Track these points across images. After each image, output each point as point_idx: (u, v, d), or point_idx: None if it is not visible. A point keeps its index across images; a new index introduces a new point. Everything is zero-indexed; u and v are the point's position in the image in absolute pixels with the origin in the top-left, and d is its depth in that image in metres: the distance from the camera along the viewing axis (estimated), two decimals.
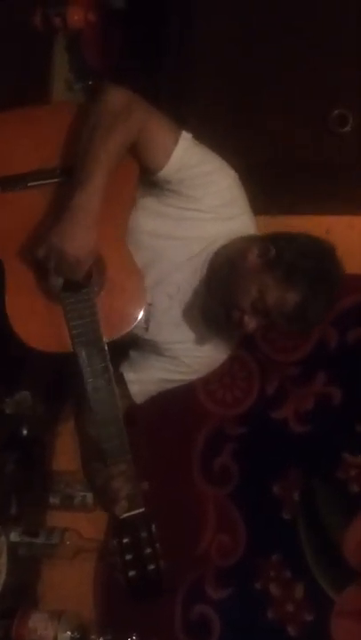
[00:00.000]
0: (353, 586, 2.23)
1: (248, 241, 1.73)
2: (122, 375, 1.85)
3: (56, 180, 1.64)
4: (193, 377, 1.95)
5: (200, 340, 1.87)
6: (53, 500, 2.44)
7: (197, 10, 2.38)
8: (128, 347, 1.90)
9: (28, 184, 1.63)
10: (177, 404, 2.24)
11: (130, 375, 1.86)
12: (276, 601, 2.28)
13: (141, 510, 1.52)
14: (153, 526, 1.49)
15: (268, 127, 2.32)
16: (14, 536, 2.24)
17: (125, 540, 1.47)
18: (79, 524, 2.37)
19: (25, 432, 2.22)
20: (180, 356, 1.88)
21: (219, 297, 1.72)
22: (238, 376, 2.49)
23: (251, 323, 1.68)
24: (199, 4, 2.38)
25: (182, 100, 2.36)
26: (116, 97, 1.59)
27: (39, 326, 1.61)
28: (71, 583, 2.42)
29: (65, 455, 2.48)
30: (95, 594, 2.41)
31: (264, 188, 2.03)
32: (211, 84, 2.36)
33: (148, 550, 1.47)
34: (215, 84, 2.35)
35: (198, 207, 1.72)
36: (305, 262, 1.67)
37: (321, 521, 2.31)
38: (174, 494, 2.39)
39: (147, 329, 1.82)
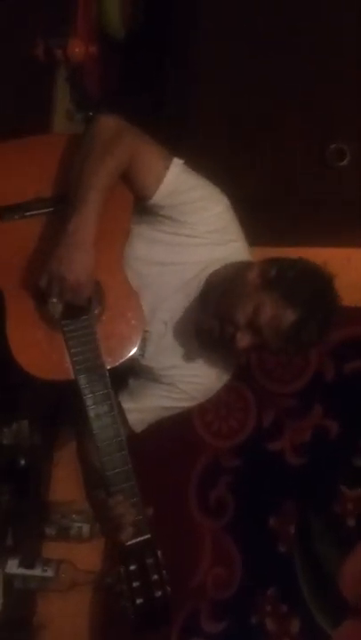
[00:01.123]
0: (349, 620, 2.23)
1: (247, 263, 1.75)
2: (120, 404, 1.84)
3: (52, 209, 1.65)
4: (190, 404, 1.93)
5: (196, 366, 1.86)
6: (49, 530, 2.43)
7: (197, 42, 2.41)
8: (126, 375, 1.90)
9: (26, 213, 1.65)
10: (173, 435, 2.24)
11: (128, 404, 1.85)
12: (272, 636, 2.27)
13: (147, 537, 1.49)
14: (159, 553, 1.47)
15: (266, 161, 2.34)
16: (10, 568, 2.23)
17: (132, 568, 1.44)
18: (75, 556, 2.37)
19: (22, 462, 2.22)
20: (176, 382, 1.87)
21: (214, 311, 1.71)
22: (234, 407, 2.50)
23: (243, 340, 1.66)
24: (198, 35, 2.41)
25: (182, 133, 2.38)
26: (107, 124, 1.62)
27: (40, 354, 1.60)
28: (66, 616, 2.40)
29: (61, 486, 2.47)
30: (90, 626, 2.40)
31: (261, 220, 2.04)
32: (210, 119, 2.38)
33: (155, 577, 1.44)
34: (214, 119, 2.38)
35: (190, 233, 1.73)
36: (305, 283, 1.67)
37: (317, 555, 2.31)
38: (170, 526, 2.38)
39: (143, 355, 1.82)
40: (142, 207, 1.71)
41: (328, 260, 2.50)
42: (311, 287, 1.67)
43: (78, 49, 2.59)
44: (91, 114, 2.79)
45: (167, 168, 1.66)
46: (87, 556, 2.34)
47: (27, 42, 2.54)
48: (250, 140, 2.34)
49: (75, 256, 1.51)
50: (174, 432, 2.02)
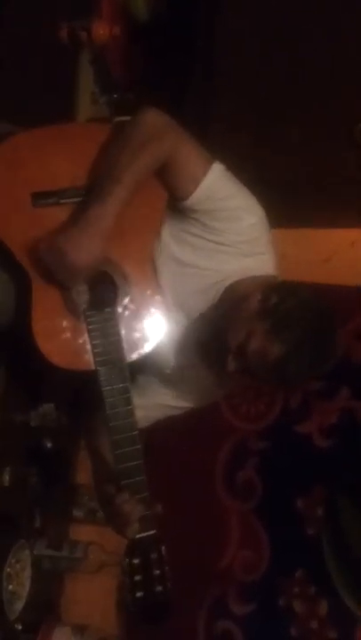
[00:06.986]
0: None
1: (259, 284, 1.70)
2: None
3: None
4: (197, 404, 1.93)
5: (202, 368, 1.86)
6: (77, 513, 2.45)
7: (222, 24, 2.39)
8: (136, 371, 1.90)
9: (61, 201, 1.63)
10: (201, 418, 2.23)
11: (136, 400, 1.85)
12: (300, 617, 2.27)
13: (152, 532, 1.53)
14: (163, 548, 1.51)
15: (294, 143, 2.32)
16: (38, 549, 2.25)
17: (135, 561, 1.49)
18: (102, 538, 2.38)
19: (49, 445, 2.23)
20: (184, 381, 1.86)
21: (214, 331, 1.70)
22: (262, 390, 2.49)
23: (232, 364, 1.63)
24: (223, 18, 2.39)
25: (206, 114, 2.37)
26: (152, 119, 1.58)
27: (62, 343, 1.61)
28: (94, 597, 2.43)
29: (88, 468, 2.48)
30: (118, 608, 2.43)
31: (290, 202, 2.03)
32: (234, 99, 2.36)
33: (157, 572, 1.49)
34: (239, 99, 2.36)
35: (220, 240, 1.69)
36: (299, 318, 1.59)
37: (345, 537, 2.29)
38: (198, 508, 2.40)
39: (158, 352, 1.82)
40: (175, 207, 1.69)
41: (356, 240, 2.51)
42: (305, 324, 1.59)
43: (102, 31, 2.58)
44: (115, 96, 2.78)
45: (206, 172, 1.61)
46: (115, 538, 2.30)
47: (51, 24, 2.53)
48: (277, 123, 2.32)
49: (83, 241, 1.49)
50: (202, 415, 2.02)
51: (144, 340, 1.65)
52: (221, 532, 2.41)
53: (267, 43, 2.31)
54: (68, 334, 1.61)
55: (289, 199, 2.05)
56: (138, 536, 1.52)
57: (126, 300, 1.63)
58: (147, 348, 1.65)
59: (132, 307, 1.64)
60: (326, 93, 2.28)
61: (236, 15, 2.37)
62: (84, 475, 2.52)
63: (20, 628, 2.07)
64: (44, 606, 2.30)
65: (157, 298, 1.67)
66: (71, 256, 1.49)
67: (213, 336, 1.69)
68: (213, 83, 2.42)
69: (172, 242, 1.73)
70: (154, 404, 1.87)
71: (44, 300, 1.60)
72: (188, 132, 1.63)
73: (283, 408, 2.46)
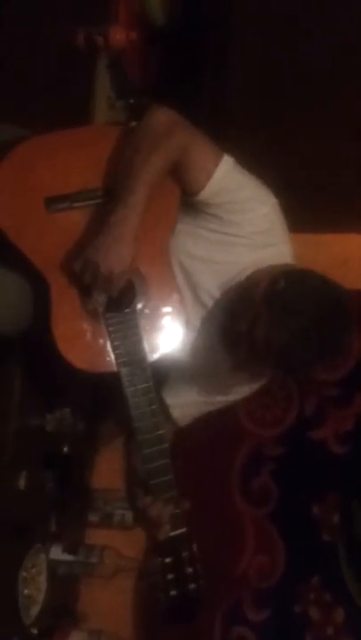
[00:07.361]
0: None
1: (272, 270, 1.69)
2: (163, 400, 1.85)
3: (100, 200, 1.65)
4: (233, 398, 1.93)
5: (229, 360, 1.86)
6: (93, 517, 2.44)
7: (236, 27, 2.39)
8: (166, 370, 1.90)
9: (74, 204, 1.64)
10: (216, 423, 2.23)
11: (170, 400, 1.87)
12: (316, 624, 2.26)
13: (183, 530, 1.53)
14: (194, 546, 1.51)
15: (309, 146, 2.32)
16: (54, 554, 2.24)
17: (167, 560, 1.49)
18: (118, 543, 2.38)
19: (65, 449, 2.22)
20: (212, 376, 1.86)
21: (228, 317, 1.71)
22: (278, 395, 2.49)
23: (243, 351, 1.66)
24: (238, 20, 2.39)
25: (220, 118, 2.37)
26: (161, 117, 1.60)
27: (83, 347, 1.61)
28: (110, 602, 2.42)
29: (104, 473, 2.49)
30: (134, 613, 2.42)
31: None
32: (248, 104, 2.37)
33: (190, 570, 1.49)
34: (252, 104, 2.36)
35: (234, 232, 1.70)
36: (305, 305, 1.57)
37: (357, 540, 2.29)
38: (213, 514, 2.39)
39: (181, 350, 1.81)
40: (188, 203, 1.69)
41: None
42: (311, 312, 1.57)
43: (119, 35, 2.58)
44: (132, 101, 2.78)
45: (217, 165, 1.62)
46: (131, 543, 2.35)
47: (67, 29, 2.54)
48: (293, 126, 2.32)
49: (113, 247, 1.50)
50: (217, 420, 2.02)
51: (165, 338, 1.65)
52: (237, 538, 2.41)
53: (282, 46, 2.32)
54: (89, 337, 1.61)
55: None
56: (168, 535, 1.53)
57: (145, 300, 1.64)
58: (168, 346, 1.66)
59: (150, 306, 1.64)
60: (342, 96, 2.28)
61: (249, 18, 2.38)
62: (99, 479, 2.52)
63: (35, 632, 2.07)
64: (60, 611, 2.29)
65: (176, 296, 1.67)
66: (104, 266, 1.50)
67: (230, 325, 1.69)
68: (227, 87, 2.43)
69: (188, 239, 1.74)
70: (187, 401, 1.88)
71: (63, 303, 1.61)
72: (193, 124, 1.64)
73: (298, 414, 2.46)
